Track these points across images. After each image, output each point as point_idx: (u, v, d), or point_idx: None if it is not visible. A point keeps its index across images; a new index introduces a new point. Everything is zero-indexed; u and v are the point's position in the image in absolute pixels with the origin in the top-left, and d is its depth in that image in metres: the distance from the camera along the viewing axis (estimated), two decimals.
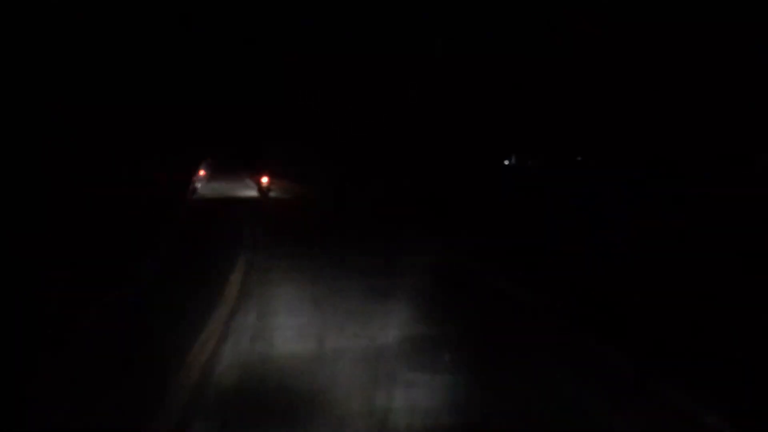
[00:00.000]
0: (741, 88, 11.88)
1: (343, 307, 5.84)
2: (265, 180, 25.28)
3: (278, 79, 31.49)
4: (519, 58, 17.23)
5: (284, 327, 5.23)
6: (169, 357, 4.42)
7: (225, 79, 34.89)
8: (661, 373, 4.22)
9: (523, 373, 4.28)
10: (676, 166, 12.75)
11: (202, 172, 29.95)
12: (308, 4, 27.75)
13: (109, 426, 3.45)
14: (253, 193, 25.66)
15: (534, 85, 17.15)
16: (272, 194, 24.67)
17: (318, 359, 4.46)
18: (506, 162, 22.41)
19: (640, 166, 13.68)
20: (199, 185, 26.58)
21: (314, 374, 4.15)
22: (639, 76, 13.98)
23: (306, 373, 4.18)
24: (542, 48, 16.54)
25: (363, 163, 22.70)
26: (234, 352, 4.60)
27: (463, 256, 9.06)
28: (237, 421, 3.53)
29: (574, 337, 5.16)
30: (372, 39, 23.34)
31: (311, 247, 10.23)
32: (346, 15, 24.94)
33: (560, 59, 16.04)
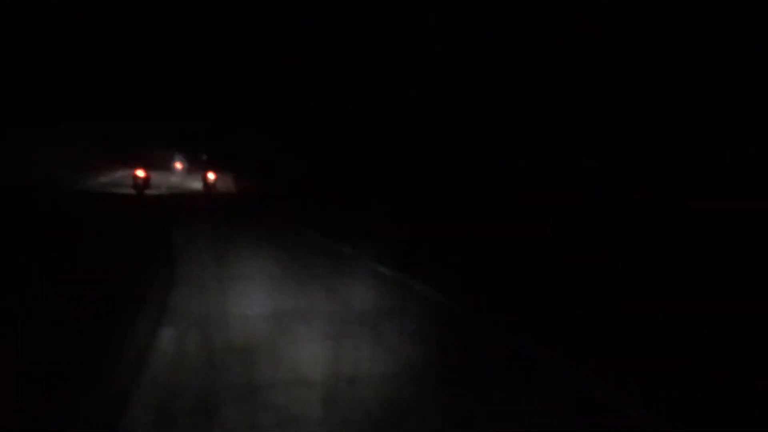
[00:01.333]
0: (742, 89, 11.83)
1: None
2: (211, 176, 29.03)
3: (278, 79, 31.43)
4: (519, 58, 17.18)
5: None
6: None
7: (225, 79, 34.86)
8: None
9: None
10: (678, 169, 12.70)
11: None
12: (308, 4, 27.69)
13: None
14: (195, 185, 30.27)
15: (533, 85, 17.11)
16: (219, 189, 28.51)
17: None
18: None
19: (639, 168, 13.62)
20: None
21: None
22: (639, 77, 13.94)
23: None
24: (542, 48, 16.50)
25: (358, 162, 22.71)
26: None
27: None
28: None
29: None
30: (372, 39, 23.29)
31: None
32: (346, 15, 24.89)
33: (560, 59, 15.99)
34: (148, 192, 25.44)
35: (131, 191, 25.25)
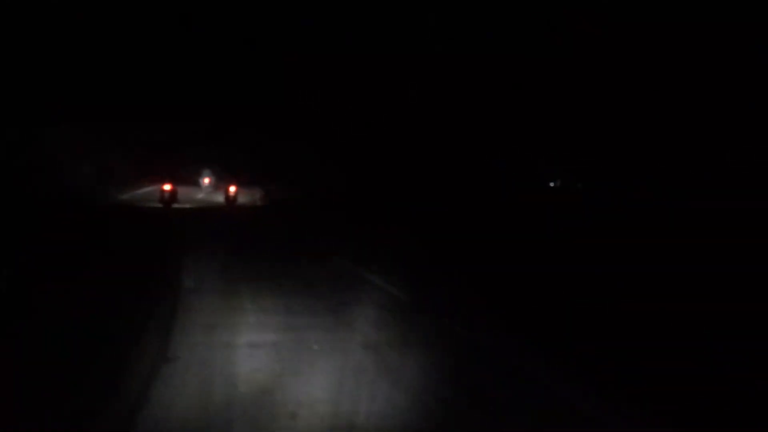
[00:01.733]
0: (742, 89, 11.84)
1: None
2: (232, 189, 28.53)
3: (278, 79, 31.48)
4: (519, 58, 17.19)
5: None
6: None
7: (225, 79, 34.93)
8: None
9: None
10: (678, 169, 12.71)
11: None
12: (308, 4, 27.73)
13: None
14: (220, 199, 29.00)
15: (533, 85, 17.12)
16: (240, 201, 28.22)
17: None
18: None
19: (639, 168, 13.63)
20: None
21: None
22: (639, 77, 13.95)
23: None
24: (542, 48, 16.51)
25: (360, 167, 22.74)
26: None
27: None
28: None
29: None
30: (372, 39, 23.31)
31: None
32: (346, 15, 24.93)
33: (560, 59, 16.01)
34: (175, 206, 25.21)
35: (158, 205, 25.27)
